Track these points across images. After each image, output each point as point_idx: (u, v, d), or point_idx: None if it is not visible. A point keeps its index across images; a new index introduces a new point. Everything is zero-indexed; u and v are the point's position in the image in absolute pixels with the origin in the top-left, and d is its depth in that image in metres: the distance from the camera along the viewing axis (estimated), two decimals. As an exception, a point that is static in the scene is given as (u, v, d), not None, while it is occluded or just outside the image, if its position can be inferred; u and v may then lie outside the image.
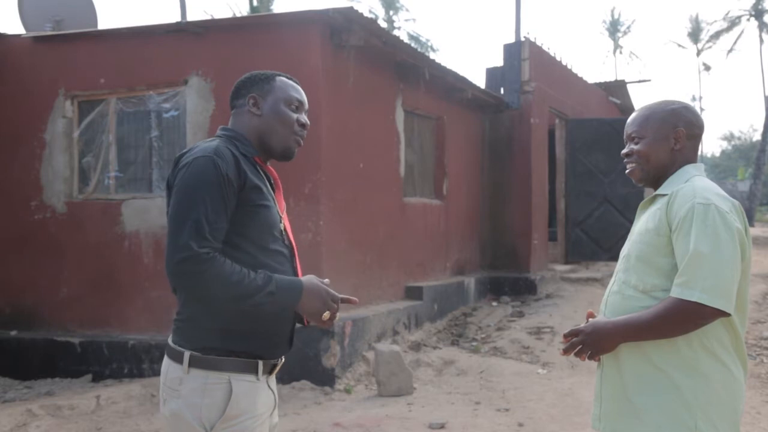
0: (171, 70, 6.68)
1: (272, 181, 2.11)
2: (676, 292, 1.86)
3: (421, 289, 7.81)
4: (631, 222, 2.36)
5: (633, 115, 2.15)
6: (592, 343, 2.00)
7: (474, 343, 7.48)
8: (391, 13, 46.49)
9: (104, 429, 5.04)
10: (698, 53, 53.19)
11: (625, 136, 2.15)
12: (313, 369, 5.93)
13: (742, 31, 50.95)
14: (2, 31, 7.21)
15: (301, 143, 2.12)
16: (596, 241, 10.68)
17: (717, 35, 47.14)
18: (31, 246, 7.00)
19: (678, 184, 2.00)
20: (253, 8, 30.09)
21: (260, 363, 1.97)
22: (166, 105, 6.78)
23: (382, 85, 7.45)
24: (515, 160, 10.20)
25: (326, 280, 2.03)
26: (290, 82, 2.14)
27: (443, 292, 8.33)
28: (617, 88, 13.79)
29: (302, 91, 2.15)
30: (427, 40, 47.50)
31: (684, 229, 1.88)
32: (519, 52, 10.14)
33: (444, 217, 8.95)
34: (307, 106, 2.16)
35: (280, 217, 2.08)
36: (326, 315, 1.98)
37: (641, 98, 57.01)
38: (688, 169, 2.06)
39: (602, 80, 14.08)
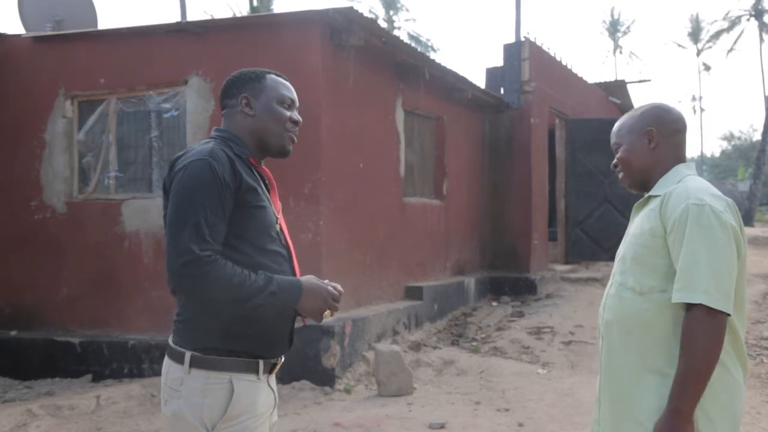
0: (171, 70, 6.68)
1: (267, 182, 2.11)
2: (678, 297, 1.85)
3: (421, 289, 7.81)
4: (631, 222, 2.36)
5: (613, 127, 2.20)
6: None
7: (474, 343, 7.48)
8: (391, 13, 46.53)
9: (104, 429, 5.04)
10: (698, 53, 53.24)
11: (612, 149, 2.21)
12: (313, 369, 5.93)
13: (742, 31, 51.03)
14: (2, 31, 7.22)
15: (294, 140, 2.14)
16: (596, 241, 10.69)
17: (717, 35, 47.20)
18: (31, 246, 7.01)
19: (671, 185, 2.00)
20: (253, 8, 30.11)
21: (261, 362, 1.97)
22: (166, 105, 6.79)
23: (382, 85, 7.45)
24: (515, 160, 10.20)
25: (326, 281, 2.05)
26: (281, 80, 2.14)
27: (443, 292, 8.33)
28: (617, 88, 13.79)
29: (293, 89, 2.16)
30: (427, 40, 47.52)
31: (679, 231, 1.88)
32: (519, 52, 10.15)
33: (444, 217, 8.95)
34: (298, 103, 2.17)
35: (277, 217, 2.08)
36: (327, 314, 2.01)
37: (641, 98, 56.99)
38: (680, 168, 2.06)
39: (602, 80, 14.09)
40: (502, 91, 10.28)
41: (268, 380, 2.02)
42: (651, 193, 2.07)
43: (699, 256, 1.83)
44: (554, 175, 11.49)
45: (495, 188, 10.31)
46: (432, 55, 32.14)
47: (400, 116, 7.82)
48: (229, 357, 1.92)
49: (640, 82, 15.14)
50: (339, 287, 2.04)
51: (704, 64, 53.61)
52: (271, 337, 2.01)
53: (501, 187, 10.27)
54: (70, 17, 7.65)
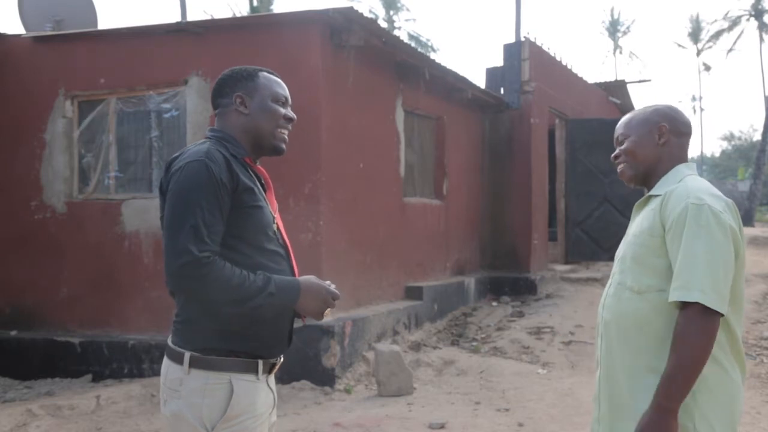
0: (171, 70, 6.68)
1: (263, 182, 2.11)
2: (675, 296, 1.85)
3: (421, 289, 7.81)
4: (631, 222, 2.36)
5: (620, 121, 2.20)
6: None
7: (474, 343, 7.48)
8: (392, 13, 46.52)
9: (104, 429, 5.04)
10: (698, 53, 53.23)
11: (614, 142, 2.20)
12: (313, 369, 5.93)
13: (742, 31, 50.95)
14: (2, 31, 7.22)
15: (287, 138, 2.14)
16: (596, 241, 10.69)
17: (717, 35, 47.17)
18: (31, 246, 7.01)
19: (671, 185, 2.01)
20: (253, 8, 30.11)
21: (260, 362, 1.98)
22: (166, 105, 6.79)
23: (382, 85, 7.45)
24: (515, 160, 10.20)
25: (328, 283, 2.05)
26: (273, 77, 2.14)
27: (443, 292, 8.33)
28: (617, 88, 13.79)
29: (285, 86, 2.17)
30: (428, 40, 47.51)
31: (677, 230, 1.88)
32: (519, 52, 10.15)
33: (444, 217, 8.95)
34: (291, 100, 2.17)
35: (273, 217, 2.08)
36: (327, 313, 2.02)
37: (641, 98, 57.14)
38: (681, 168, 2.08)
39: (602, 80, 14.09)
40: (502, 91, 10.28)
41: (267, 380, 2.02)
42: (651, 192, 2.08)
43: (696, 256, 1.84)
44: (554, 175, 11.49)
45: (495, 188, 10.31)
46: (432, 55, 32.13)
47: (400, 116, 7.82)
48: (229, 357, 1.92)
49: (640, 82, 15.13)
50: (336, 293, 2.04)
51: (704, 64, 53.61)
52: (270, 337, 2.01)
53: (501, 187, 10.27)
54: (70, 17, 7.65)
